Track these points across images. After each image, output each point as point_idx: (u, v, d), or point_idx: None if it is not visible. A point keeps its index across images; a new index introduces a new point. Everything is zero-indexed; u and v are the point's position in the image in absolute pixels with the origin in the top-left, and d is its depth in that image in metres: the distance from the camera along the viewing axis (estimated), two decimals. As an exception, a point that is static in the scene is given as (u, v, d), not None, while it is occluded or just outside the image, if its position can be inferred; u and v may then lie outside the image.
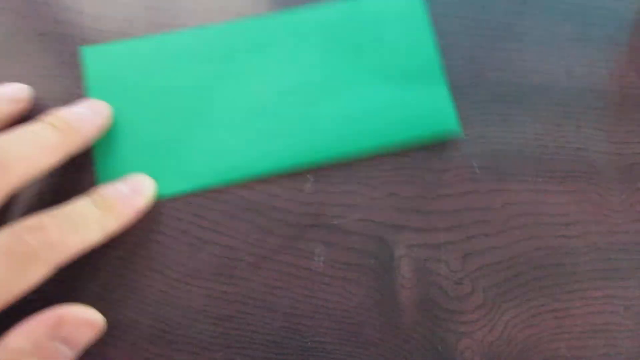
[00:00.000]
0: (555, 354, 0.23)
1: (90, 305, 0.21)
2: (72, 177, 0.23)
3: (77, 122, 0.22)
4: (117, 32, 0.25)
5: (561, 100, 0.26)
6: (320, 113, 0.25)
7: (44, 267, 0.19)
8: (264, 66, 0.26)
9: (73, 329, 0.19)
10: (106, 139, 0.24)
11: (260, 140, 0.25)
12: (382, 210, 0.24)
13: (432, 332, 0.23)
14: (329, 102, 0.25)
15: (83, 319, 0.20)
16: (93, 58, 0.25)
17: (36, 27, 0.25)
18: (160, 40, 0.25)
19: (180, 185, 0.24)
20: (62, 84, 0.24)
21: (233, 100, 0.25)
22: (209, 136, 0.24)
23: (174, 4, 0.26)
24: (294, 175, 0.25)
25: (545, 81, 0.27)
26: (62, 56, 0.25)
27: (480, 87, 0.27)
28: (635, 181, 0.25)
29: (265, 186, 0.24)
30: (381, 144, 0.25)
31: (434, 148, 0.25)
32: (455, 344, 0.23)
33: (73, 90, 0.24)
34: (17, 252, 0.18)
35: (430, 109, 0.25)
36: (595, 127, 0.26)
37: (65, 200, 0.21)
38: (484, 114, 0.26)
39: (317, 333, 0.23)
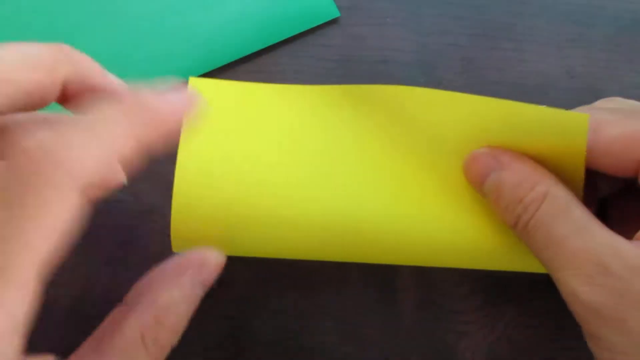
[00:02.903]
0: (555, 355, 0.23)
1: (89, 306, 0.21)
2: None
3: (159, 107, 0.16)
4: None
5: (561, 101, 0.26)
6: (202, 20, 0.26)
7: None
8: None
9: (211, 272, 0.18)
10: None
11: (157, 57, 0.25)
12: (382, 210, 0.24)
13: (432, 332, 0.23)
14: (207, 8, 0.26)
15: (216, 261, 0.18)
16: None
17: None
18: None
19: None
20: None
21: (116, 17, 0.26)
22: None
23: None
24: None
25: (545, 81, 0.27)
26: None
27: (480, 88, 0.27)
28: (635, 181, 0.25)
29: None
30: (269, 42, 0.26)
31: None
32: (455, 344, 0.23)
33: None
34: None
35: None
36: (595, 127, 0.26)
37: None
38: (484, 114, 0.26)
39: (317, 333, 0.23)
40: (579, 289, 0.17)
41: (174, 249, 0.20)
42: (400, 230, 0.21)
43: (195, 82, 0.22)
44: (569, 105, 0.26)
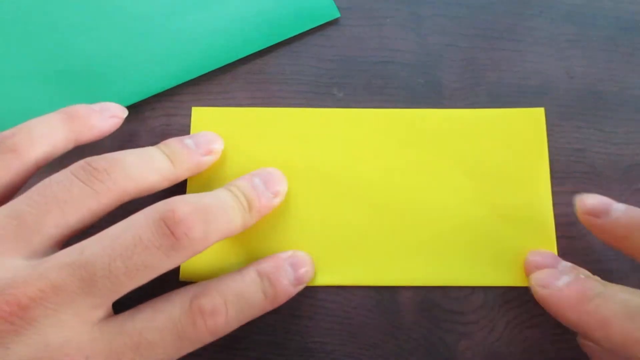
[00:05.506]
0: (555, 355, 0.23)
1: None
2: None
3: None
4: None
5: (561, 101, 0.26)
6: (204, 21, 0.27)
7: (199, 346, 0.20)
8: None
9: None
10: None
11: (156, 59, 0.26)
12: (382, 210, 0.24)
13: (432, 332, 0.23)
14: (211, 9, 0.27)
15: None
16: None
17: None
18: None
19: None
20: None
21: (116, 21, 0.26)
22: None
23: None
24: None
25: (545, 82, 0.27)
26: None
27: (480, 88, 0.27)
28: (634, 182, 0.25)
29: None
30: (269, 42, 0.27)
31: (434, 148, 0.25)
32: (455, 345, 0.23)
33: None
34: (187, 336, 0.19)
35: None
36: (595, 128, 0.26)
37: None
38: (484, 115, 0.26)
39: (317, 333, 0.23)
40: None
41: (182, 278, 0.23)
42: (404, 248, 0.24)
43: (198, 111, 0.25)
44: (568, 104, 0.26)
